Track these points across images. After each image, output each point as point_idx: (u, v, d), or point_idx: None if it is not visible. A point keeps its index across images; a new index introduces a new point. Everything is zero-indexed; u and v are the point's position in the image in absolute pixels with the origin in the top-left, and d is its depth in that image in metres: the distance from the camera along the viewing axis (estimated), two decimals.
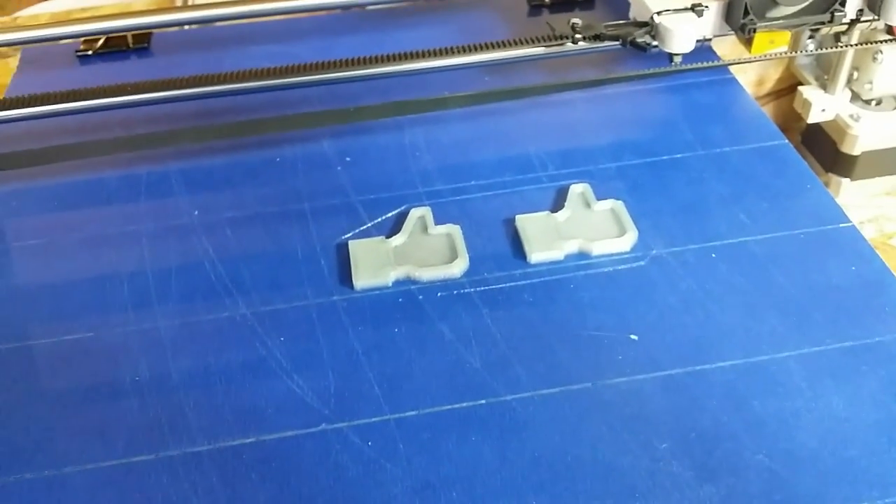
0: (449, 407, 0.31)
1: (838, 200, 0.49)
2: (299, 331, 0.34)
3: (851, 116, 0.51)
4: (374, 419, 0.30)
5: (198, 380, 0.31)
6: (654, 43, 0.41)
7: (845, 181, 0.53)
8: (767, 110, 0.58)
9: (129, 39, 0.53)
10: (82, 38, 0.53)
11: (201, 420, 0.31)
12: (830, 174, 0.53)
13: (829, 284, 0.35)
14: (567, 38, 0.41)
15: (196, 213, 0.40)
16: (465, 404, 0.31)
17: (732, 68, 0.48)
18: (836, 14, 0.42)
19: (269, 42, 0.52)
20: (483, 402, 0.31)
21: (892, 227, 0.51)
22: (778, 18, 0.41)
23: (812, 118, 0.51)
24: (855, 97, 0.52)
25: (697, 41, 0.42)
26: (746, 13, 0.41)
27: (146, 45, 0.53)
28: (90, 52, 0.52)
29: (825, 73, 0.53)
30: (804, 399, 0.31)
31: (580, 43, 0.41)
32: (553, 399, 0.31)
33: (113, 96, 0.43)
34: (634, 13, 0.44)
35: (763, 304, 0.34)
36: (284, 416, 0.31)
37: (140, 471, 0.29)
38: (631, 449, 0.29)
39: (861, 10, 0.43)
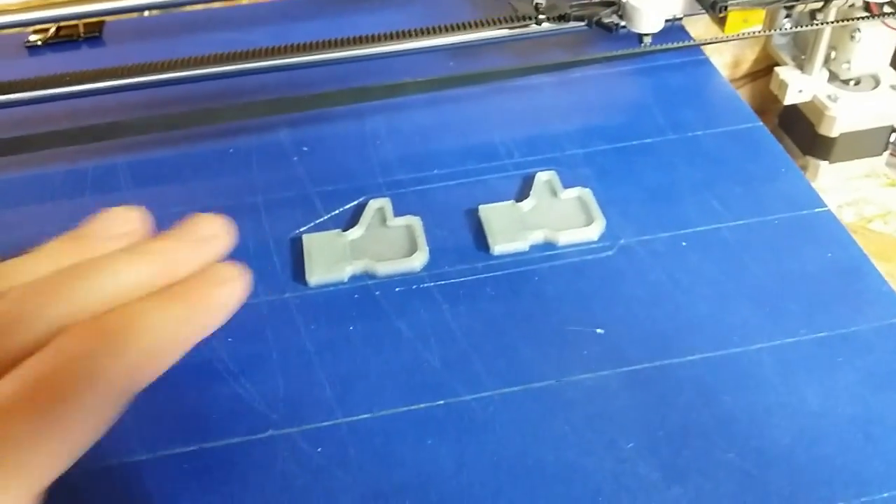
0: (405, 409, 0.29)
1: (816, 184, 0.48)
2: (248, 330, 0.32)
3: (829, 97, 0.49)
4: (324, 423, 0.29)
5: None
6: (622, 23, 0.40)
7: (823, 164, 0.51)
8: (744, 92, 0.56)
9: (81, 28, 0.51)
10: (31, 29, 0.51)
11: (140, 427, 0.29)
12: (808, 157, 0.52)
13: (804, 272, 0.33)
14: (531, 18, 0.40)
15: (143, 207, 0.38)
16: (422, 405, 0.29)
17: (707, 50, 0.46)
18: None
19: (226, 29, 0.50)
20: (441, 402, 0.29)
21: (872, 211, 0.50)
22: None
23: (789, 99, 0.50)
24: (833, 77, 0.50)
25: (668, 21, 0.41)
26: None
27: (98, 34, 0.51)
28: (40, 43, 0.50)
29: (802, 53, 0.51)
30: (777, 394, 0.29)
31: (544, 24, 0.40)
32: (514, 398, 0.29)
33: (58, 86, 0.41)
34: None
35: (735, 294, 0.33)
36: (229, 422, 0.29)
37: (73, 482, 0.27)
38: (595, 449, 0.28)
39: None
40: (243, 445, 0.28)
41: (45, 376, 0.22)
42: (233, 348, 0.31)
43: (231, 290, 0.26)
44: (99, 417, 0.23)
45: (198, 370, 0.31)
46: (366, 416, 0.29)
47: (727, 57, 0.55)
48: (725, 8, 0.38)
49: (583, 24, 0.39)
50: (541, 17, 0.39)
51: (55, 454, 0.22)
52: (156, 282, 0.26)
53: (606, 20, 0.39)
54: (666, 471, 0.27)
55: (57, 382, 0.22)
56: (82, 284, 0.24)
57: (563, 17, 0.39)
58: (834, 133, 0.49)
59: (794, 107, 0.52)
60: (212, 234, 0.27)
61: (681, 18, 0.42)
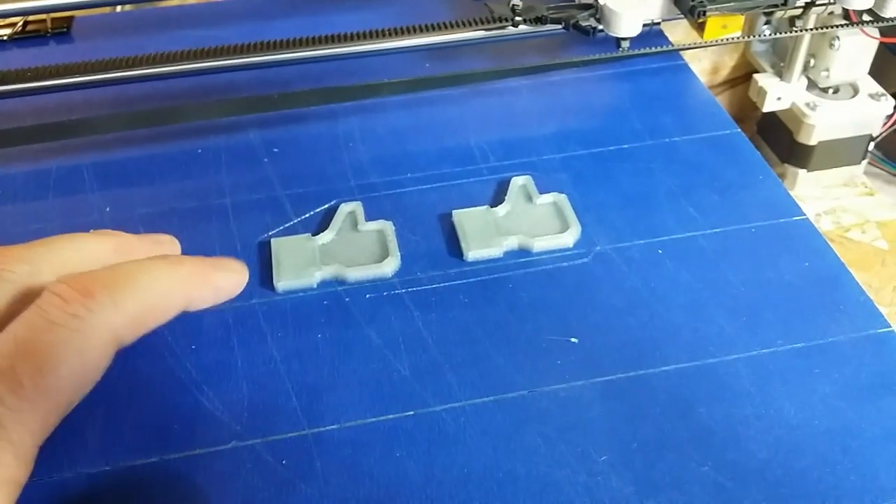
0: (373, 419, 0.28)
1: (794, 192, 0.48)
2: (212, 338, 0.31)
3: (808, 105, 0.49)
4: (290, 434, 0.28)
5: (97, 394, 0.27)
6: (600, 27, 0.39)
7: (802, 172, 0.51)
8: (723, 99, 0.56)
9: (49, 23, 0.50)
10: None
11: (100, 438, 0.28)
12: (786, 165, 0.51)
13: (781, 281, 0.33)
14: (507, 20, 0.39)
15: (108, 209, 0.37)
16: (390, 416, 0.29)
17: (686, 56, 0.46)
18: None
19: (198, 26, 0.49)
20: (411, 413, 0.29)
21: (850, 220, 0.50)
22: (730, 1, 0.39)
23: (767, 107, 0.49)
24: (811, 85, 0.50)
25: (646, 25, 0.40)
26: None
27: (66, 29, 0.49)
28: (6, 38, 0.49)
29: (781, 60, 0.51)
30: (753, 405, 0.29)
31: (521, 26, 0.39)
32: (486, 409, 0.29)
33: (23, 82, 0.40)
34: None
35: (711, 303, 0.32)
36: (192, 433, 0.28)
37: (29, 494, 0.26)
38: (568, 462, 0.27)
39: None
40: (206, 457, 0.27)
41: (43, 327, 0.23)
42: (196, 356, 0.30)
43: (229, 278, 0.29)
44: (90, 372, 0.23)
45: (160, 379, 0.29)
46: (333, 427, 0.28)
47: (706, 63, 0.55)
48: (704, 13, 0.38)
49: (560, 26, 0.39)
50: (517, 18, 0.39)
51: (48, 413, 0.22)
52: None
53: (584, 23, 0.38)
54: (639, 484, 0.26)
55: (54, 334, 0.23)
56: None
57: (539, 20, 0.38)
58: (812, 141, 0.49)
59: (772, 114, 0.51)
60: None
61: (659, 23, 0.41)
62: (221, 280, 0.28)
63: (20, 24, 0.50)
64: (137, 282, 0.25)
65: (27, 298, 0.26)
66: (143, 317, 0.25)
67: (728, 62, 0.55)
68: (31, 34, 0.49)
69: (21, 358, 0.22)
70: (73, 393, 0.23)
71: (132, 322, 0.25)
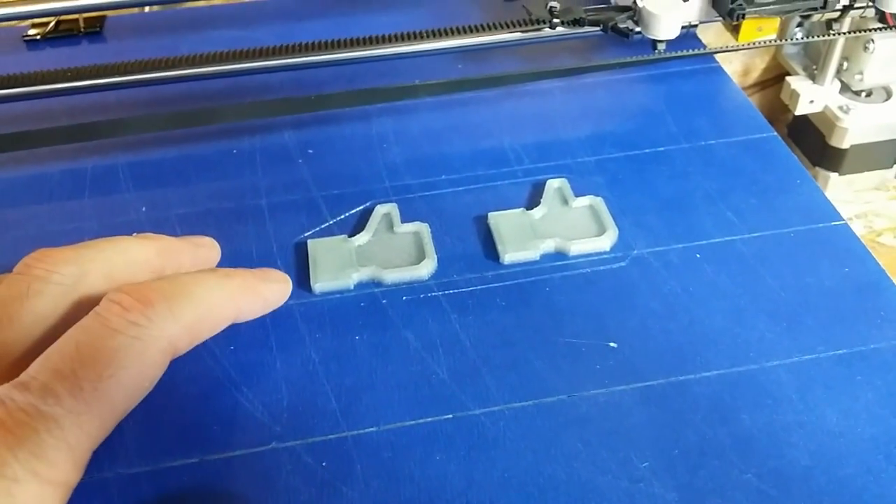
0: (412, 422, 0.28)
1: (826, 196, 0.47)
2: (251, 339, 0.31)
3: (841, 108, 0.48)
4: (329, 436, 0.28)
5: None
6: (637, 29, 0.39)
7: (833, 176, 0.51)
8: (753, 101, 0.56)
9: (81, 23, 0.50)
10: (30, 22, 0.50)
11: (140, 439, 0.28)
12: (818, 168, 0.51)
13: (822, 287, 0.32)
14: (544, 22, 0.39)
15: (143, 209, 0.37)
16: (429, 419, 0.28)
17: (718, 58, 0.46)
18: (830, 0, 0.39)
19: (230, 27, 0.49)
20: (450, 416, 0.29)
21: (882, 224, 0.50)
22: (768, 4, 0.39)
23: (800, 110, 0.49)
24: (844, 88, 0.50)
25: (682, 27, 0.40)
26: None
27: (99, 29, 0.50)
28: (39, 37, 0.49)
29: (813, 62, 0.51)
30: (795, 412, 0.28)
31: (558, 28, 0.39)
32: (525, 413, 0.29)
33: (58, 82, 0.40)
34: None
35: (751, 309, 0.32)
36: (231, 434, 0.28)
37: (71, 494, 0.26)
38: (609, 468, 0.27)
39: None
40: (245, 458, 0.27)
41: (103, 334, 0.23)
42: (235, 357, 0.30)
43: (275, 289, 0.30)
44: (146, 380, 0.23)
45: (199, 380, 0.30)
46: (372, 429, 0.28)
47: (737, 65, 0.54)
48: (743, 16, 0.38)
49: (598, 28, 0.39)
50: (555, 20, 0.38)
51: (104, 418, 0.23)
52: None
53: (622, 25, 0.38)
54: (682, 491, 0.26)
55: (113, 342, 0.23)
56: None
57: (577, 22, 0.38)
58: (845, 145, 0.49)
59: (803, 117, 0.51)
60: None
61: (696, 25, 0.41)
62: (268, 291, 0.29)
63: (52, 23, 0.50)
64: (192, 293, 0.25)
65: (75, 301, 0.26)
66: (197, 327, 0.26)
67: (759, 64, 0.55)
68: (63, 34, 0.50)
69: (82, 362, 0.22)
70: (129, 399, 0.23)
71: (187, 332, 0.25)
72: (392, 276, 0.33)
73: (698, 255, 0.34)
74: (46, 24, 0.50)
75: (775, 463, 0.27)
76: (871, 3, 0.41)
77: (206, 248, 0.32)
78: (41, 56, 0.48)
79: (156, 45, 0.48)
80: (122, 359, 0.23)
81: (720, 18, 0.41)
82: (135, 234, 0.29)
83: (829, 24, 0.43)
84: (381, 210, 0.36)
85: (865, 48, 0.47)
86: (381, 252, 0.34)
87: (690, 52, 0.42)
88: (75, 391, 0.22)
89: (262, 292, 0.29)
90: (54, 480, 0.21)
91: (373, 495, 0.26)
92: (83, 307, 0.27)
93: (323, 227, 0.36)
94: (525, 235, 0.34)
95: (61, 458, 0.21)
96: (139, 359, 0.24)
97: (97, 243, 0.28)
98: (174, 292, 0.25)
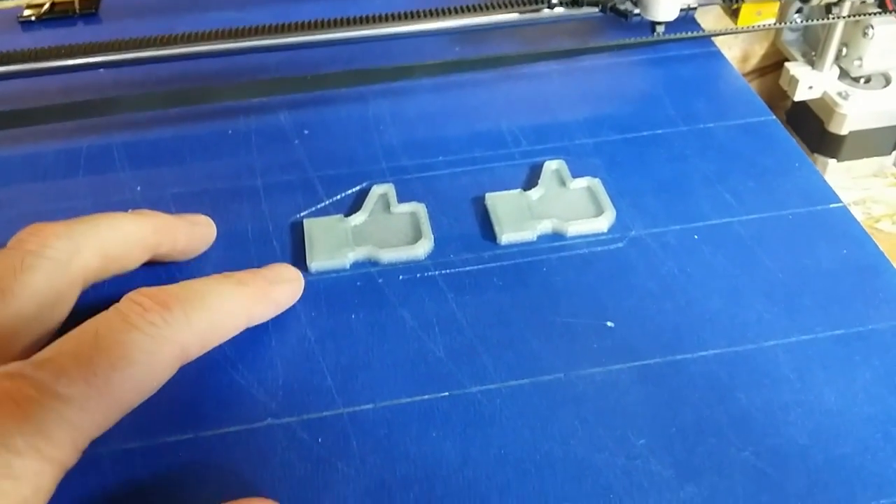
0: (408, 400, 0.28)
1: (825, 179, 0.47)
2: None
3: (840, 94, 0.48)
4: (325, 413, 0.28)
5: None
6: (636, 10, 0.39)
7: (832, 162, 0.51)
8: (752, 87, 0.56)
9: (76, 4, 0.49)
10: (25, 3, 0.49)
11: (134, 414, 0.27)
12: (816, 154, 0.51)
13: (819, 269, 0.32)
14: (543, 3, 0.39)
15: (139, 188, 0.37)
16: (426, 397, 0.28)
17: (717, 43, 0.46)
18: None
19: (226, 8, 0.49)
20: (446, 394, 0.28)
21: (880, 210, 0.49)
22: None
23: (799, 96, 0.49)
24: (843, 74, 0.50)
25: (681, 10, 0.40)
26: None
27: (94, 10, 0.49)
28: (34, 18, 0.49)
29: (812, 48, 0.51)
30: (793, 391, 0.28)
31: (557, 9, 0.39)
32: (522, 391, 0.28)
33: (52, 60, 0.40)
34: None
35: (749, 289, 0.32)
36: (226, 410, 0.28)
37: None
38: (606, 445, 0.27)
39: None
40: (241, 434, 0.27)
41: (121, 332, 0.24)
42: None
43: (287, 290, 0.30)
44: (154, 379, 0.24)
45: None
46: (368, 406, 0.28)
47: (736, 51, 0.54)
48: None
49: (596, 9, 0.38)
50: (554, 1, 0.38)
51: (111, 408, 0.23)
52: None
53: (621, 6, 0.38)
54: (679, 468, 0.26)
55: (130, 340, 0.24)
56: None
57: (576, 3, 0.38)
58: (843, 131, 0.49)
59: (802, 103, 0.51)
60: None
61: (695, 8, 0.41)
62: (280, 295, 0.30)
63: (48, 4, 0.50)
64: (206, 301, 0.26)
65: (69, 275, 0.26)
66: (209, 335, 0.26)
67: (758, 50, 0.55)
68: (58, 15, 0.49)
69: (99, 350, 0.23)
70: (136, 395, 0.24)
71: (199, 339, 0.26)
72: (388, 255, 0.33)
73: (696, 237, 0.34)
74: (41, 5, 0.50)
75: (773, 441, 0.27)
76: None
77: (202, 226, 0.32)
78: (36, 37, 0.48)
79: (151, 27, 0.47)
80: (136, 354, 0.23)
81: (719, 1, 0.40)
82: (131, 210, 0.29)
83: (828, 8, 0.43)
84: (377, 190, 0.36)
85: (864, 34, 0.47)
86: (377, 232, 0.34)
87: (689, 34, 0.41)
88: (89, 376, 0.22)
89: (274, 298, 0.30)
90: (54, 459, 0.21)
91: (368, 472, 0.26)
92: (77, 282, 0.27)
93: (319, 207, 0.36)
94: (522, 216, 0.34)
95: (64, 439, 0.21)
96: (151, 357, 0.24)
97: (91, 218, 0.28)
98: (190, 299, 0.26)
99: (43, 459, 0.21)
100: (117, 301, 0.25)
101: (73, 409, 0.22)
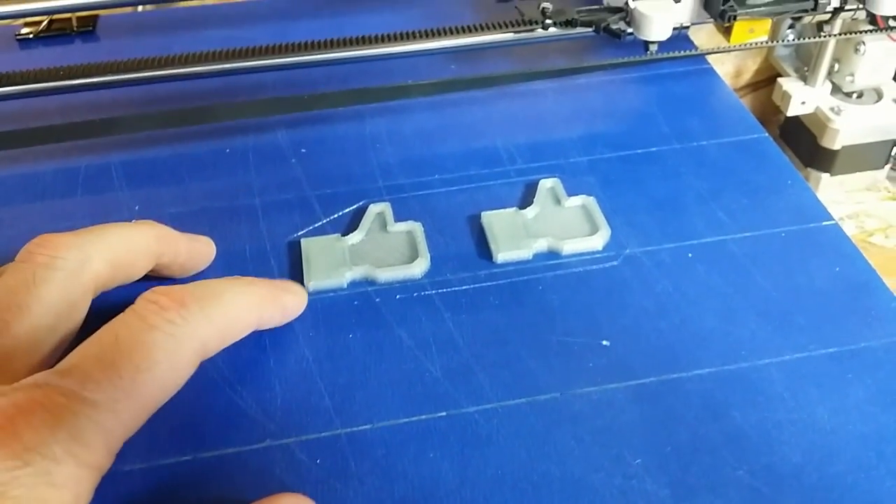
0: (406, 420, 0.28)
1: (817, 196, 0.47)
2: (245, 337, 0.31)
3: (832, 109, 0.49)
4: (323, 434, 0.28)
5: None
6: (630, 30, 0.39)
7: (825, 176, 0.51)
8: (745, 103, 0.56)
9: (74, 22, 0.50)
10: (23, 21, 0.50)
11: (134, 436, 0.28)
12: (809, 169, 0.51)
13: (812, 286, 0.33)
14: (537, 23, 0.39)
15: (137, 207, 0.37)
16: (423, 417, 0.29)
17: (710, 60, 0.46)
18: (820, 2, 0.40)
19: (223, 26, 0.49)
20: (443, 414, 0.29)
21: (873, 225, 0.50)
22: (759, 6, 0.39)
23: (791, 111, 0.49)
24: (835, 90, 0.50)
25: (674, 29, 0.40)
26: (726, 0, 0.39)
27: (91, 28, 0.50)
28: (31, 36, 0.49)
29: (805, 64, 0.51)
30: (787, 410, 0.28)
31: (551, 29, 0.39)
32: (518, 410, 0.29)
33: (51, 80, 0.40)
34: None
35: (742, 308, 0.32)
36: (225, 432, 0.28)
37: None
38: (602, 465, 0.27)
39: None
40: (239, 455, 0.27)
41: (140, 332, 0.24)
42: (228, 355, 0.30)
43: (294, 300, 0.31)
44: (178, 377, 0.25)
45: (193, 377, 0.29)
46: (366, 426, 0.28)
47: (729, 67, 0.55)
48: (735, 17, 0.38)
49: (590, 29, 0.39)
50: (548, 21, 0.39)
51: (139, 410, 0.23)
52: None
53: (614, 26, 0.38)
54: (675, 488, 0.26)
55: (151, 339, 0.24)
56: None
57: (570, 23, 0.38)
58: (836, 146, 0.49)
59: (795, 118, 0.51)
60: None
61: (688, 27, 0.41)
62: (288, 301, 0.30)
63: (45, 22, 0.50)
64: (222, 298, 0.26)
65: (81, 285, 0.26)
66: (226, 330, 0.26)
67: (751, 66, 0.55)
68: (56, 32, 0.50)
69: (121, 353, 0.23)
70: (161, 394, 0.24)
71: (218, 335, 0.26)
72: (385, 274, 0.33)
73: (690, 255, 0.34)
74: (39, 22, 0.50)
75: (767, 460, 0.27)
76: (861, 6, 0.41)
77: (202, 243, 0.32)
78: (34, 55, 0.48)
79: (149, 45, 0.48)
80: (158, 353, 0.24)
81: (712, 20, 0.41)
82: (134, 220, 0.30)
83: (820, 25, 0.43)
84: (374, 209, 0.36)
85: (856, 50, 0.47)
86: (374, 251, 0.34)
87: (682, 53, 0.42)
88: (115, 379, 0.22)
89: (283, 302, 0.30)
90: (91, 464, 0.21)
91: (366, 493, 0.26)
92: (88, 290, 0.28)
93: (316, 225, 0.36)
94: (518, 235, 0.35)
95: (98, 443, 0.22)
96: (174, 355, 0.24)
97: (98, 229, 0.28)
98: (205, 295, 0.26)
99: (81, 465, 0.21)
100: (128, 305, 0.25)
101: (103, 413, 0.22)
